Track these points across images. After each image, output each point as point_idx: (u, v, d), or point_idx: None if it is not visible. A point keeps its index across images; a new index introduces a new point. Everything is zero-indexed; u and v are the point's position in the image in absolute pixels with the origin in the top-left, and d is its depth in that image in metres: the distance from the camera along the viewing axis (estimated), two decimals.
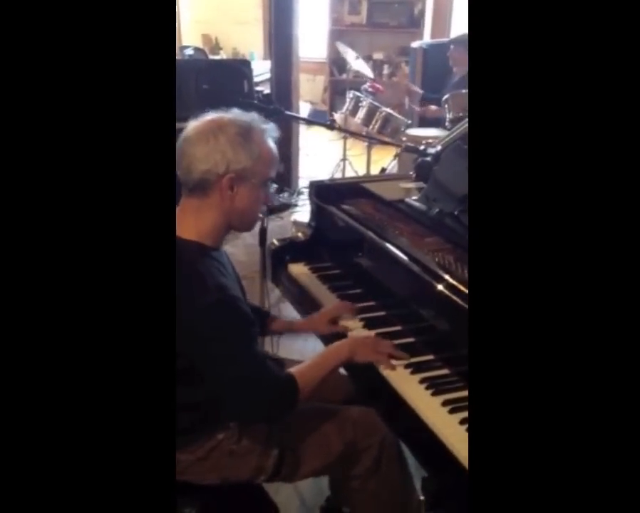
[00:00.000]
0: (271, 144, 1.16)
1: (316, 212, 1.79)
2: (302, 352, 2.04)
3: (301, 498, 1.70)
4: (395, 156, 3.47)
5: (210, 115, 1.14)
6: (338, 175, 4.11)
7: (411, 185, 1.80)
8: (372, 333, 1.39)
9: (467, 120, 1.69)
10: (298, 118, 2.67)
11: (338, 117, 5.29)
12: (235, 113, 1.15)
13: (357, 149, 4.48)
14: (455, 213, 1.46)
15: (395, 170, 3.93)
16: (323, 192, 1.77)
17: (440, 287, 1.27)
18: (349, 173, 4.06)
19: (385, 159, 4.36)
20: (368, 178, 2.42)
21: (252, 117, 1.15)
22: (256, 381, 1.09)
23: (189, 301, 1.02)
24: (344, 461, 1.26)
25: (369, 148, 3.71)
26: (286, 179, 4.07)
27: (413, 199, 1.61)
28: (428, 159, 1.50)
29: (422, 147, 1.58)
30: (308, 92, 5.90)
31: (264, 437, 1.20)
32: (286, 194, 4.04)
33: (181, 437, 1.16)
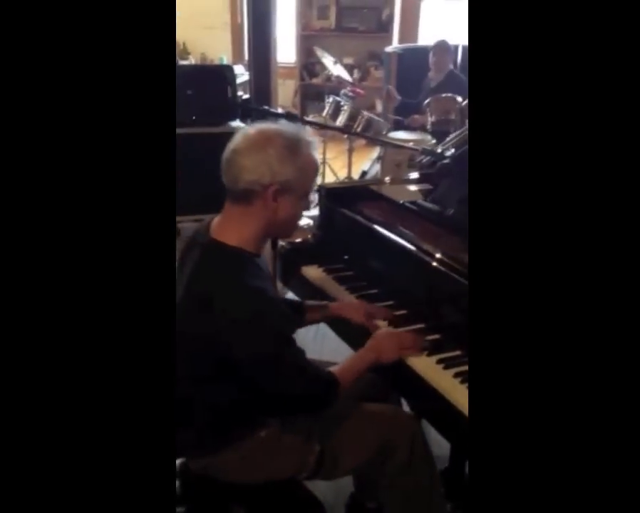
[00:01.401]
0: (316, 157, 1.19)
1: (327, 215, 1.81)
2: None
3: (323, 497, 1.71)
4: (378, 158, 3.53)
5: (259, 126, 1.16)
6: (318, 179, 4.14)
7: (416, 187, 1.85)
8: (389, 328, 1.42)
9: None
10: (316, 124, 2.66)
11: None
12: (282, 124, 1.17)
13: (334, 153, 4.53)
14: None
15: (374, 172, 4.00)
16: (333, 195, 1.80)
17: (461, 280, 1.32)
18: (329, 176, 4.10)
19: (363, 162, 4.43)
20: (374, 181, 2.45)
21: (299, 129, 1.18)
22: (300, 377, 1.13)
23: (232, 306, 1.06)
24: (379, 457, 1.29)
25: (350, 151, 3.75)
26: None
27: (426, 201, 1.66)
28: (447, 161, 1.54)
29: (439, 150, 1.63)
30: (279, 97, 5.90)
31: (305, 433, 1.23)
32: None
33: (224, 436, 1.18)
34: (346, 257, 1.76)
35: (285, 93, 6.05)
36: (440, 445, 1.50)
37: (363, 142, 4.82)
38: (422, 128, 3.68)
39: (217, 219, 1.21)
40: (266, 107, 2.34)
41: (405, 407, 1.60)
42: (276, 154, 1.11)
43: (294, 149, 1.13)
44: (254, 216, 1.14)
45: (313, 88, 6.06)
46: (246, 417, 1.19)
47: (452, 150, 1.60)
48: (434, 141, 3.44)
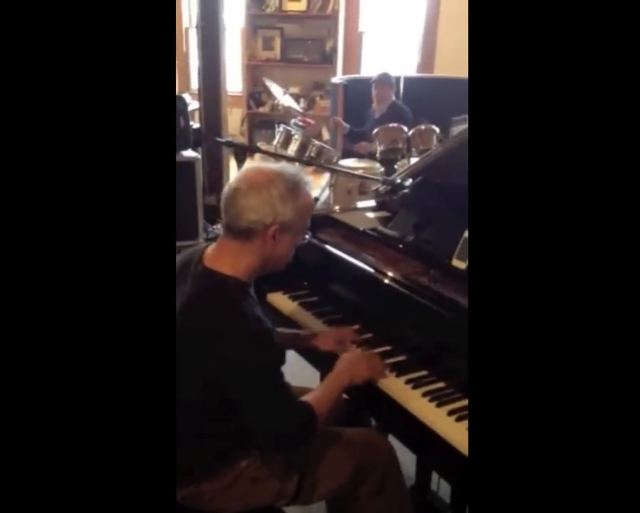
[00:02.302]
0: (312, 196, 1.26)
1: None
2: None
3: None
4: (330, 186, 3.61)
5: (258, 166, 1.21)
6: None
7: (373, 215, 1.93)
8: (357, 349, 1.46)
9: (427, 153, 1.85)
10: (274, 155, 2.69)
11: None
12: (282, 165, 1.22)
13: None
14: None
15: (324, 198, 4.07)
16: None
17: (423, 302, 1.39)
18: None
19: (313, 189, 4.51)
20: (329, 209, 2.50)
21: (297, 169, 1.23)
22: (285, 412, 1.15)
23: (231, 333, 1.09)
24: (354, 481, 1.32)
25: None
26: (219, 210, 4.07)
27: (386, 227, 1.74)
28: (406, 191, 1.63)
29: (398, 181, 1.71)
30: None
31: (284, 461, 1.25)
32: (219, 225, 4.04)
33: (206, 467, 1.19)
34: (310, 283, 1.80)
35: (232, 122, 6.09)
36: (405, 465, 1.55)
37: (310, 169, 4.91)
38: (370, 155, 3.81)
39: (210, 250, 1.23)
40: (232, 140, 2.37)
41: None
42: (278, 195, 1.15)
43: (295, 190, 1.17)
44: (252, 252, 1.18)
45: (260, 117, 6.14)
46: (229, 448, 1.20)
47: (410, 180, 1.69)
48: (382, 169, 3.58)
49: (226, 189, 1.19)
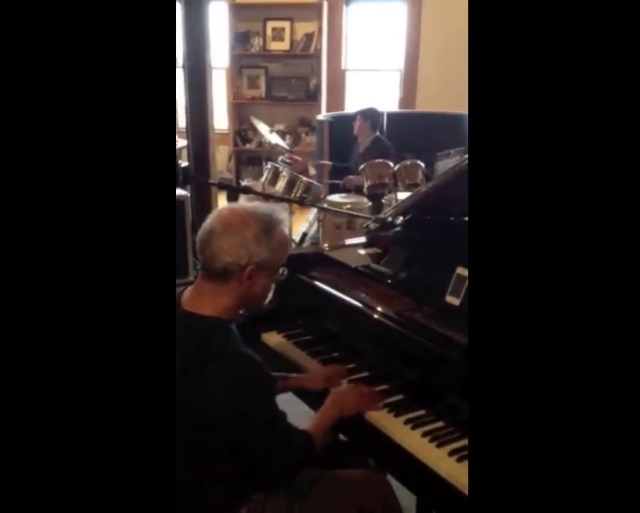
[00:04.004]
0: (287, 233, 1.27)
1: (283, 281, 1.84)
2: None
3: None
4: (319, 221, 3.63)
5: (232, 207, 1.22)
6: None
7: (364, 252, 1.94)
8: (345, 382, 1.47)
9: (417, 190, 1.87)
10: (262, 195, 2.72)
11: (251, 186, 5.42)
12: (256, 205, 1.23)
13: None
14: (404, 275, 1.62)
15: (313, 233, 4.10)
16: (288, 262, 1.84)
17: (419, 340, 1.39)
18: None
19: (301, 224, 4.54)
20: (323, 247, 2.52)
21: (272, 208, 1.24)
22: (286, 440, 1.17)
23: (219, 375, 1.10)
24: None
25: (290, 215, 3.84)
26: None
27: (378, 264, 1.75)
28: (398, 229, 1.64)
29: (390, 219, 1.73)
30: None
31: (285, 507, 1.22)
32: None
33: None
34: (304, 322, 1.79)
35: (219, 159, 6.14)
36: (404, 506, 1.53)
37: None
38: (357, 189, 3.86)
39: (187, 293, 1.24)
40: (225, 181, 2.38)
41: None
42: (252, 236, 1.16)
43: (269, 229, 1.19)
44: (228, 292, 1.19)
45: (247, 154, 6.19)
46: (230, 495, 1.19)
47: (401, 217, 1.71)
48: (370, 203, 3.62)
49: (201, 230, 1.20)
